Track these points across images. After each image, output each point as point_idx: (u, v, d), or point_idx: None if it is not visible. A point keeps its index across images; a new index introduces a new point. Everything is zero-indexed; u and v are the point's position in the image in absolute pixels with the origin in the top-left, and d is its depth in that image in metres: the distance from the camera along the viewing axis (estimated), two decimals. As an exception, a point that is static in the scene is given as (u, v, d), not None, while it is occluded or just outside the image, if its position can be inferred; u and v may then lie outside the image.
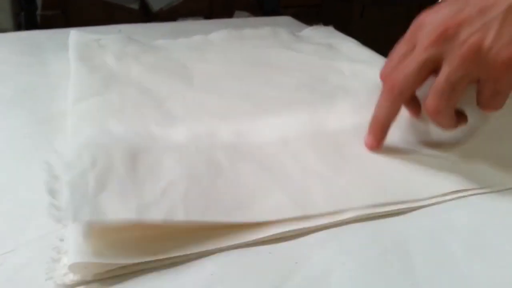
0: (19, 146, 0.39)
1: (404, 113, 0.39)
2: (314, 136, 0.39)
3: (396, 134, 0.40)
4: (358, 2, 2.04)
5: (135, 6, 1.88)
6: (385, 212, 0.32)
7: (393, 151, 0.39)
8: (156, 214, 0.28)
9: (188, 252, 0.27)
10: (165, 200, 0.29)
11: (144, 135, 0.37)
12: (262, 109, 0.47)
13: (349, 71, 0.59)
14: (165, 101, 0.47)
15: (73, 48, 0.55)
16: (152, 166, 0.33)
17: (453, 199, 0.33)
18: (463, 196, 0.34)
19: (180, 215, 0.28)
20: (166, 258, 0.26)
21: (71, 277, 0.25)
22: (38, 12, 1.56)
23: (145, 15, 1.93)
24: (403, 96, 0.37)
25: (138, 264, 0.26)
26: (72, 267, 0.25)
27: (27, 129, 0.42)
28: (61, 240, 0.27)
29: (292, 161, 0.37)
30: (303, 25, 0.90)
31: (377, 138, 0.38)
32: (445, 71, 0.34)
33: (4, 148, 0.39)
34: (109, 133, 0.36)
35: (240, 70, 0.59)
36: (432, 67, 0.35)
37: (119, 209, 0.27)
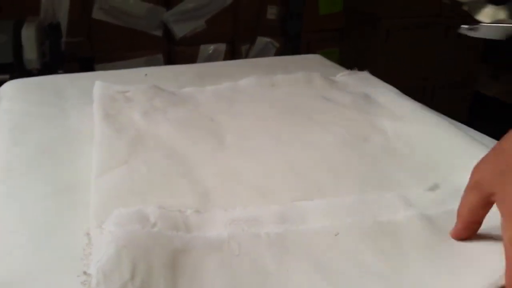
0: (35, 225, 0.35)
1: None
2: (366, 228, 0.35)
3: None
4: (383, 26, 2.01)
5: (158, 33, 1.87)
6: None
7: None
8: None
9: None
10: None
11: (180, 225, 0.33)
12: (305, 181, 0.43)
13: (391, 130, 0.54)
14: (195, 167, 0.43)
15: (98, 104, 0.52)
16: (193, 275, 0.29)
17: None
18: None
19: None
20: None
21: None
22: (63, 39, 1.56)
23: (169, 42, 1.93)
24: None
25: None
26: None
27: (45, 201, 0.38)
28: None
29: (347, 259, 0.32)
30: (334, 64, 0.86)
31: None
32: None
33: (18, 228, 0.35)
34: (145, 219, 0.32)
35: (273, 124, 0.55)
36: None
37: None
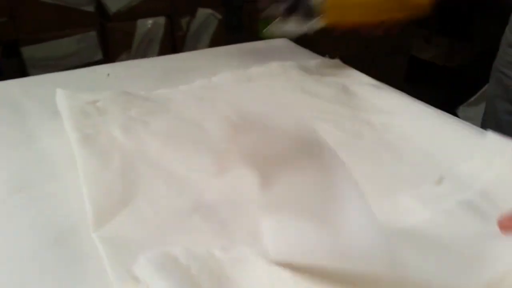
0: None
1: None
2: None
3: None
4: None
5: (90, 8, 1.73)
6: None
7: None
8: None
9: None
10: None
11: (214, 269, 0.30)
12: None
13: (379, 124, 0.53)
14: (200, 192, 0.39)
15: (69, 121, 0.45)
16: None
17: None
18: None
19: None
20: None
21: None
22: (-18, 21, 1.39)
23: (102, 17, 1.78)
24: None
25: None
26: None
27: (40, 255, 0.33)
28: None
29: None
30: (302, 48, 0.83)
31: None
32: None
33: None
34: (176, 262, 0.30)
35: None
36: None
37: None
